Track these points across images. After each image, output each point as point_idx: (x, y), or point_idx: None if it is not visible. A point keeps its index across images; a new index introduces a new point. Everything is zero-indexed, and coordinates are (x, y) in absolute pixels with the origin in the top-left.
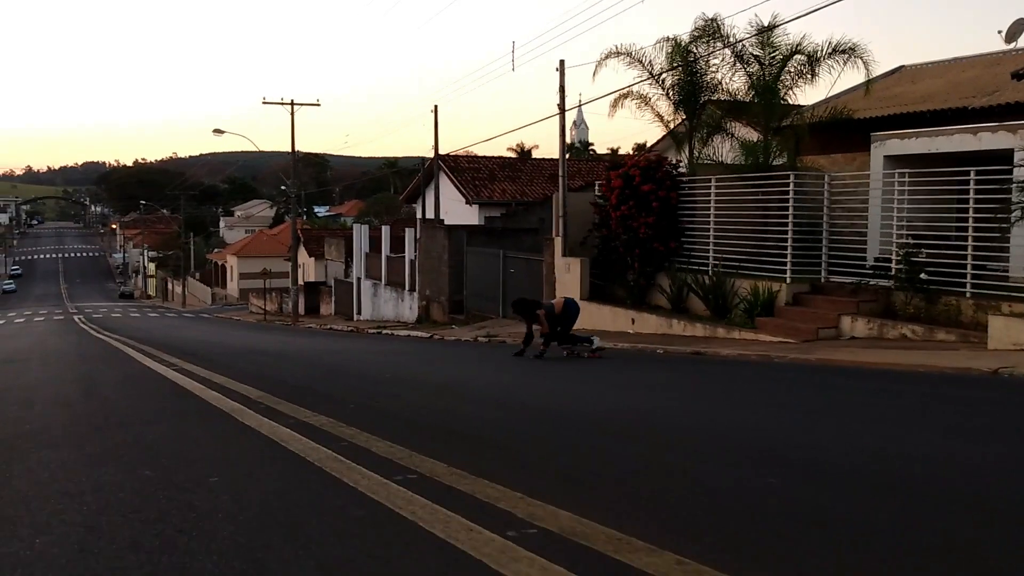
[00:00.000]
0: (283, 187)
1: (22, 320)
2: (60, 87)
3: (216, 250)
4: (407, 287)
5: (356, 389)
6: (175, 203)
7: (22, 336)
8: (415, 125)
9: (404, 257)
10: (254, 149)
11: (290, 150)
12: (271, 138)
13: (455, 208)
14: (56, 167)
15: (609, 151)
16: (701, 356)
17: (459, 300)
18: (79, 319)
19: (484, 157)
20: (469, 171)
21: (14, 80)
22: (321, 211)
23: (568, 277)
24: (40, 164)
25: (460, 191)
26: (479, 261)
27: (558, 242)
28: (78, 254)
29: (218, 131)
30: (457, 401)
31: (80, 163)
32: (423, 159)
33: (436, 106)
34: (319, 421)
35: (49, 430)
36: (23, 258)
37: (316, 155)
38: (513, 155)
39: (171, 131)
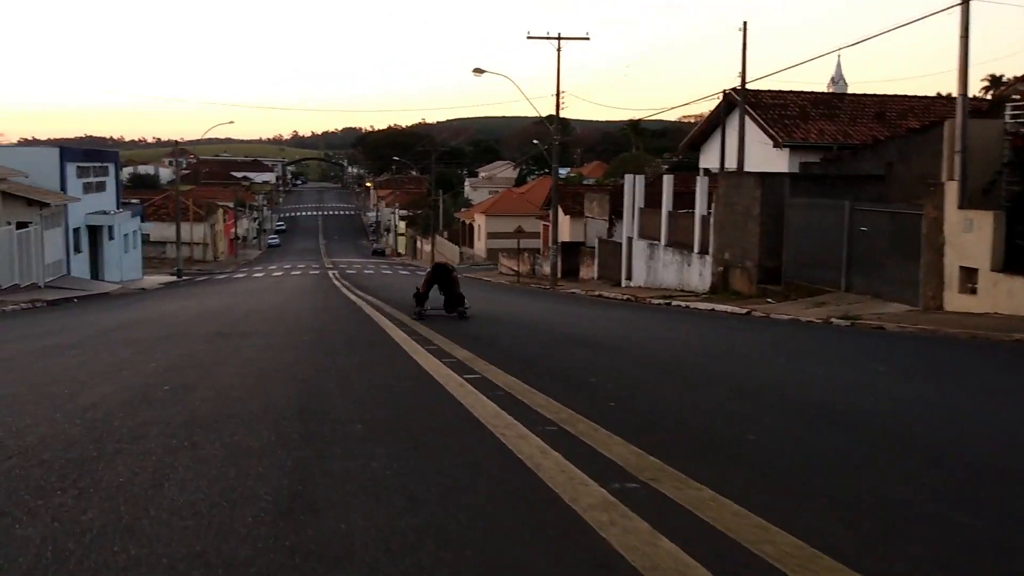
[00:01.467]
0: (535, 140)
1: (280, 274)
2: (321, 59)
3: (463, 209)
4: (696, 249)
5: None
6: (424, 162)
7: (273, 292)
8: (672, 74)
9: (693, 213)
10: (496, 115)
11: (541, 112)
12: (532, 81)
13: (758, 153)
14: (319, 132)
15: None
16: None
17: (774, 267)
18: (333, 275)
19: (791, 92)
20: (774, 108)
21: (280, 52)
22: (562, 172)
23: (969, 238)
24: (305, 130)
25: (766, 131)
26: (808, 217)
27: (951, 189)
28: (335, 212)
29: (478, 70)
30: None
31: (340, 129)
32: (724, 92)
33: (745, 23)
34: None
35: None
36: (287, 215)
37: (559, 118)
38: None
39: (421, 99)
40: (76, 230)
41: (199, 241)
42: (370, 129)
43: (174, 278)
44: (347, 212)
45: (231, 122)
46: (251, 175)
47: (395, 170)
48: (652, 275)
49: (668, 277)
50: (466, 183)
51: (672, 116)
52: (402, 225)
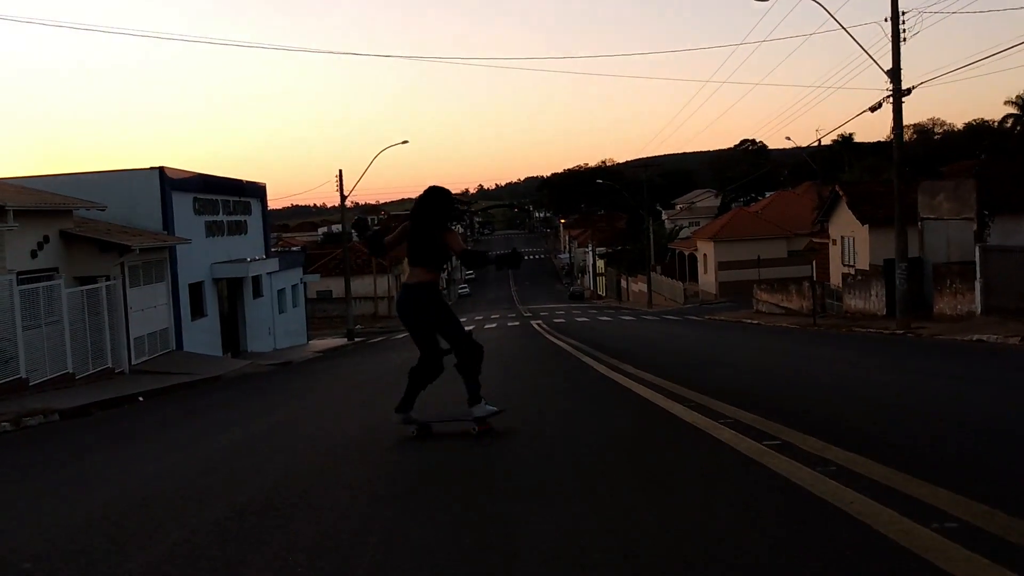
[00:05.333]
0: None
1: (471, 327)
2: (497, 113)
3: (676, 239)
4: None
5: None
6: (614, 198)
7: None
8: None
9: None
10: (679, 152)
11: (861, 40)
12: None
13: None
14: (503, 184)
15: None
16: None
17: None
18: (538, 325)
19: None
20: None
21: (458, 110)
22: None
23: None
24: (489, 183)
25: None
26: None
27: None
28: (525, 257)
29: None
30: None
31: (522, 179)
32: None
33: None
34: None
35: None
36: None
37: (753, 142)
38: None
39: (602, 142)
40: (196, 285)
41: (383, 295)
42: (550, 176)
43: (345, 340)
44: (537, 256)
45: (405, 142)
46: None
47: (584, 208)
48: None
49: None
50: (663, 215)
51: (881, 135)
52: (601, 264)
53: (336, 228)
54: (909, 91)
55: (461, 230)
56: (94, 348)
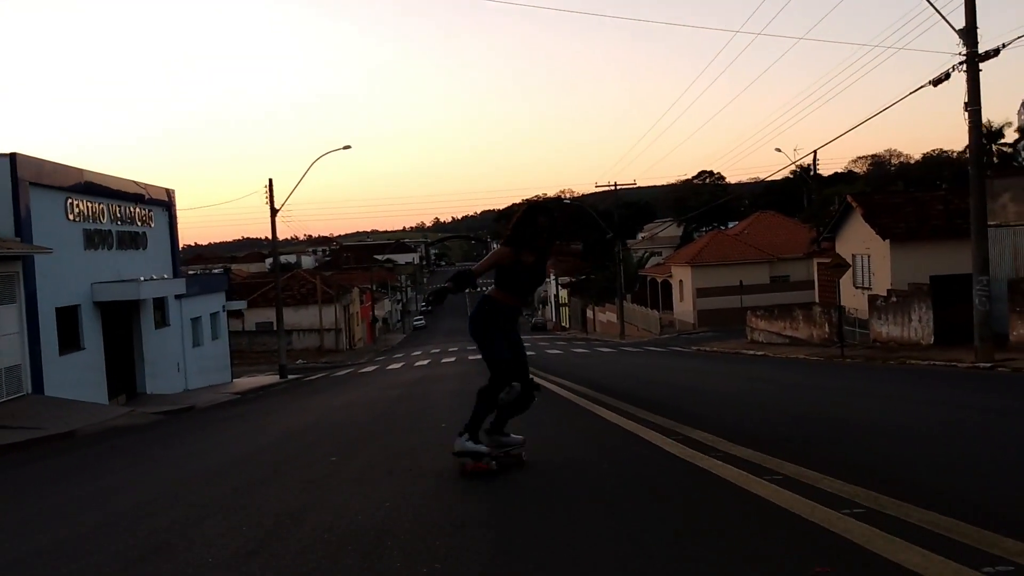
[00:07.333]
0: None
1: (426, 361)
2: (454, 149)
3: (647, 266)
4: None
5: None
6: (575, 227)
7: (411, 415)
8: None
9: None
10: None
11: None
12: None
13: None
14: (459, 217)
15: None
16: None
17: None
18: None
19: None
20: None
21: (415, 143)
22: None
23: None
24: (446, 216)
25: None
26: None
27: None
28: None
29: None
30: None
31: (479, 212)
32: None
33: None
34: None
35: None
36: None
37: (711, 173)
38: None
39: (559, 174)
40: (69, 310)
41: (330, 327)
42: (508, 207)
43: (277, 378)
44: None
45: (348, 147)
46: (394, 257)
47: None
48: None
49: None
50: (627, 244)
51: (840, 165)
52: (564, 294)
53: (284, 258)
54: (997, 52)
55: (417, 260)
56: None
